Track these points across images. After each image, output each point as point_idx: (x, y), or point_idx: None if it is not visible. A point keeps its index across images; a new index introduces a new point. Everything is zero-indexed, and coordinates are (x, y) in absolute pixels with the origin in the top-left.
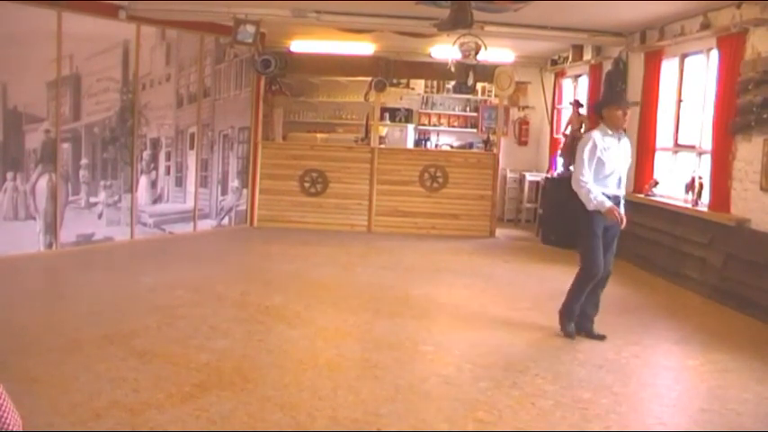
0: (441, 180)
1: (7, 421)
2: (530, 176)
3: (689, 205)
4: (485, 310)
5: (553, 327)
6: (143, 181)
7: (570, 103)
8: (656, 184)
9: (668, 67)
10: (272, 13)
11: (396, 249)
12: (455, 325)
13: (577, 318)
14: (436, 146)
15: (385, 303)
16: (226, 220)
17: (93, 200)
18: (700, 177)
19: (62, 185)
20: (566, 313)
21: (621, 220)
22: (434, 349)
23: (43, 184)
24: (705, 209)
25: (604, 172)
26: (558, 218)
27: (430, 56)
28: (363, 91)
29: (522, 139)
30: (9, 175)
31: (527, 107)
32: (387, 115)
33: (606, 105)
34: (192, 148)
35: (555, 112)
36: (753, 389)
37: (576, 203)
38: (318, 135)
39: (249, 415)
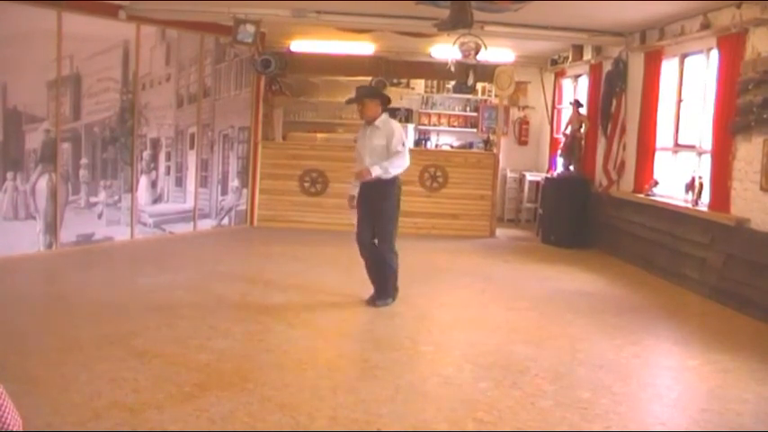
0: (441, 180)
1: (7, 421)
2: (530, 176)
3: (689, 205)
4: (485, 310)
5: (552, 327)
6: (143, 181)
7: (570, 103)
8: (656, 184)
9: (668, 67)
10: (272, 13)
11: None
12: (455, 325)
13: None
14: (436, 146)
15: None
16: (226, 220)
17: (93, 200)
18: (700, 177)
19: (62, 185)
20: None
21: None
22: (434, 349)
23: (43, 184)
24: (705, 209)
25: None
26: (557, 218)
27: (430, 56)
28: None
29: (522, 139)
30: (9, 174)
31: (527, 107)
32: (387, 115)
33: None
34: (192, 148)
35: (555, 111)
36: (753, 389)
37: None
38: (318, 135)
39: (249, 415)
